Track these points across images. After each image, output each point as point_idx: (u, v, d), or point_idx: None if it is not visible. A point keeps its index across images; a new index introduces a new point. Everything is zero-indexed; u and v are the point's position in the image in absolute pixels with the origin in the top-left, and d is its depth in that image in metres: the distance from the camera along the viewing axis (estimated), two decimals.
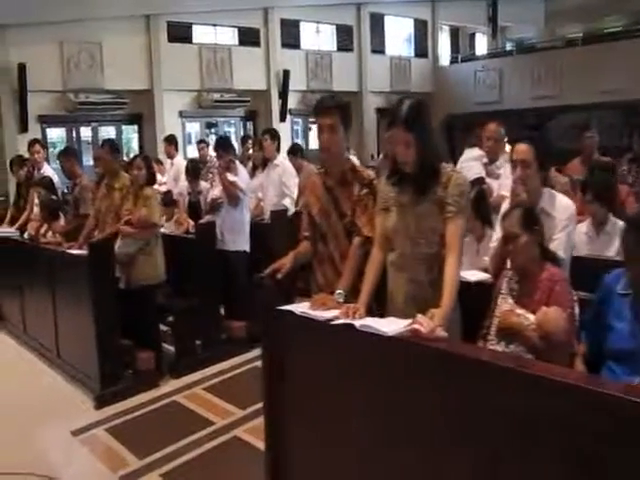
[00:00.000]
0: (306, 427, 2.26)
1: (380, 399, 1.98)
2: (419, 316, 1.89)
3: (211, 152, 7.38)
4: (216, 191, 4.64)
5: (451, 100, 16.36)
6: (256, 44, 13.40)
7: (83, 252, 4.18)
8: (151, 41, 11.52)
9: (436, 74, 17.40)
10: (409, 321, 2.00)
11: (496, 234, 2.68)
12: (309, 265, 2.67)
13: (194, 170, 5.20)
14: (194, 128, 13.21)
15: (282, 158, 5.42)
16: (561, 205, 2.49)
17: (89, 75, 10.66)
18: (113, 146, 4.46)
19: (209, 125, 13.53)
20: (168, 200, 5.18)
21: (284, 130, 14.02)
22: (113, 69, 10.73)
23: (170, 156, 7.05)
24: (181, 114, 12.49)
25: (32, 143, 5.96)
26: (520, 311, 2.09)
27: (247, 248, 4.68)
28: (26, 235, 5.23)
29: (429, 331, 1.82)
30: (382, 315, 2.20)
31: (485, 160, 3.73)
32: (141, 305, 4.08)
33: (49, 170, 5.99)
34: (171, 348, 4.55)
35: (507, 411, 1.57)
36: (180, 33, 12.13)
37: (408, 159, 2.16)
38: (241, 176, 4.63)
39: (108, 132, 12.03)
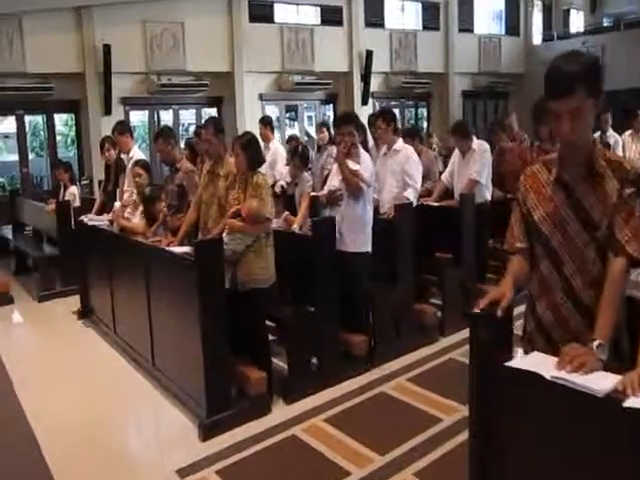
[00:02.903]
0: None
1: None
2: None
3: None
4: (335, 181, 3.92)
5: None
6: (339, 23, 12.73)
7: (184, 249, 3.62)
8: (233, 21, 11.05)
9: (528, 53, 16.15)
10: None
11: None
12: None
13: (304, 156, 4.47)
14: (273, 112, 12.68)
15: (402, 143, 4.63)
16: None
17: (171, 56, 10.36)
18: (218, 126, 3.80)
19: (288, 108, 12.98)
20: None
21: (366, 114, 13.24)
22: (195, 50, 10.41)
23: (266, 139, 6.36)
24: (261, 97, 12.00)
25: (113, 130, 5.52)
26: None
27: (369, 249, 3.95)
28: (115, 226, 4.77)
29: None
30: None
31: None
32: (248, 312, 3.46)
33: (138, 153, 5.51)
34: (279, 362, 3.94)
35: None
36: (262, 12, 11.58)
37: None
38: (364, 164, 3.88)
39: (188, 115, 11.71)
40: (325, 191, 3.99)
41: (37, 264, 6.57)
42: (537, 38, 16.80)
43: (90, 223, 5.25)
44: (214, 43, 10.74)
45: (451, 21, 14.62)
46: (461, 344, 4.46)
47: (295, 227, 4.30)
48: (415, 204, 4.49)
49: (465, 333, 4.72)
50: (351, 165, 3.81)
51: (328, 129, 6.07)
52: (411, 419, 3.32)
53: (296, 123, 13.21)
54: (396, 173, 4.49)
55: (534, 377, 1.47)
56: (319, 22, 12.56)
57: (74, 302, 5.68)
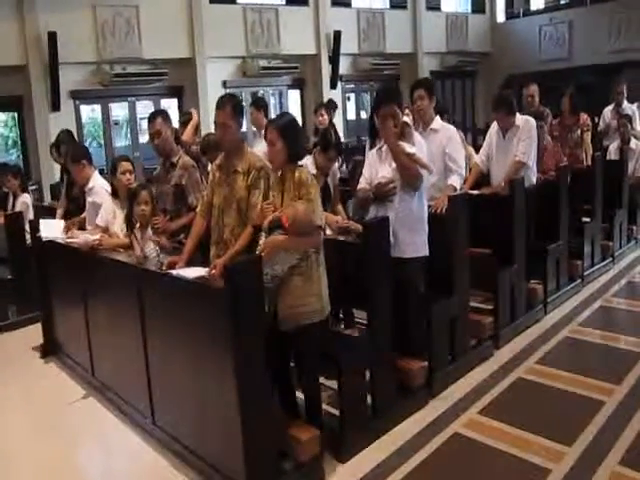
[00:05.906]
0: None
1: None
2: None
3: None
4: (385, 171, 3.05)
5: (512, 59, 14.92)
6: (304, 3, 11.99)
7: (196, 271, 2.70)
8: (192, 3, 10.07)
9: (493, 31, 15.85)
10: None
11: None
12: None
13: (339, 146, 3.57)
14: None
15: (441, 121, 3.81)
16: None
17: (125, 43, 9.35)
18: (237, 106, 2.86)
19: (253, 96, 12.08)
20: None
21: (335, 98, 12.51)
22: (151, 36, 9.44)
23: (259, 126, 5.35)
24: (225, 84, 11.09)
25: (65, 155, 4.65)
26: None
27: (427, 252, 3.13)
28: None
29: None
30: None
31: None
32: (298, 355, 2.60)
33: (99, 182, 4.32)
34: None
35: None
36: None
37: None
38: (419, 146, 3.04)
39: (142, 109, 10.60)
40: (363, 183, 3.13)
41: None
42: (501, 16, 16.47)
43: (45, 237, 4.12)
44: (172, 27, 9.81)
45: None
46: (521, 358, 3.78)
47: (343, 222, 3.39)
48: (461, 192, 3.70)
49: (519, 343, 4.08)
50: (407, 148, 2.97)
51: (328, 112, 5.21)
52: (509, 470, 2.58)
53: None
54: (435, 157, 3.65)
55: None
56: (284, 2, 11.73)
57: (34, 335, 4.65)
